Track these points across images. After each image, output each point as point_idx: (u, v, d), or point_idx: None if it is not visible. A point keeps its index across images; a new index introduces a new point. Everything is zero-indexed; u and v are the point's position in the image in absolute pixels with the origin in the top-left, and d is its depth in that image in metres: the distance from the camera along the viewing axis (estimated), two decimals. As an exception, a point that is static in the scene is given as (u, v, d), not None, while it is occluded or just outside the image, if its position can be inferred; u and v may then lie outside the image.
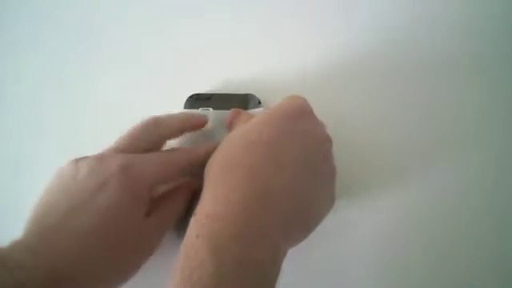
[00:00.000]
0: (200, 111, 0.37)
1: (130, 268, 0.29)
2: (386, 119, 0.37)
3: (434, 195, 0.35)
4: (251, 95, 0.37)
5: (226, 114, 0.35)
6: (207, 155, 0.30)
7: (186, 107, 0.38)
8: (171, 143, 0.35)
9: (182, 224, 0.33)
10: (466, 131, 0.37)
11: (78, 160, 0.30)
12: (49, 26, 0.44)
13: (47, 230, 0.27)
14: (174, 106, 0.38)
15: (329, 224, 0.30)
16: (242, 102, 0.37)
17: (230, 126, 0.35)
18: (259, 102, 0.37)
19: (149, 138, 0.32)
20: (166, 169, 0.31)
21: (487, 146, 0.36)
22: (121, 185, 0.28)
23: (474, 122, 0.37)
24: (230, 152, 0.29)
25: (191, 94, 0.38)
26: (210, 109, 0.37)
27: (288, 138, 0.29)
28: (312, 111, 0.31)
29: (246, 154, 0.28)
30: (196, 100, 0.38)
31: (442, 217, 0.35)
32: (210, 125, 0.36)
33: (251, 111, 0.37)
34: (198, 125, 0.35)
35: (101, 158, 0.30)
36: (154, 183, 0.31)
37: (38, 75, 0.43)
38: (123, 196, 0.28)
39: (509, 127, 0.36)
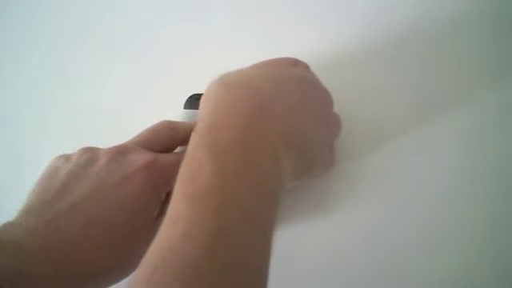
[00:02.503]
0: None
1: (133, 264, 0.28)
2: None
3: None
4: (251, 95, 0.37)
5: None
6: None
7: (185, 107, 0.38)
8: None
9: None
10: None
11: (86, 149, 0.30)
12: (50, 26, 0.44)
13: (56, 213, 0.26)
14: (174, 105, 0.38)
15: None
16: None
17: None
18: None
19: (165, 141, 0.33)
20: None
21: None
22: (146, 180, 0.28)
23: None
24: (227, 76, 0.28)
25: (191, 94, 0.38)
26: None
27: (286, 76, 0.29)
28: (309, 68, 0.32)
29: (244, 78, 0.28)
30: (196, 100, 0.38)
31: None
32: None
33: None
34: None
35: (122, 151, 0.30)
36: (173, 184, 0.31)
37: (39, 74, 0.43)
38: (147, 192, 0.28)
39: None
